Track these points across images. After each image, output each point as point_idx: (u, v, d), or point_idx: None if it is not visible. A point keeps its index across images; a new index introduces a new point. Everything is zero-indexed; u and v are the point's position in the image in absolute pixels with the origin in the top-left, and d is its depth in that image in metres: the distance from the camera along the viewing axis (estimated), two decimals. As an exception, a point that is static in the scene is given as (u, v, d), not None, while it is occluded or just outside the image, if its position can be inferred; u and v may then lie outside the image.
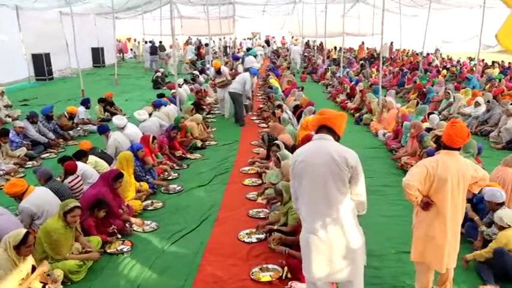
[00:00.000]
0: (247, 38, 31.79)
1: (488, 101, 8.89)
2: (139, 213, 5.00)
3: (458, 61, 19.90)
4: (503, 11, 17.67)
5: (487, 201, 3.96)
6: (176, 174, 6.32)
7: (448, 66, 18.13)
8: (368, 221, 4.51)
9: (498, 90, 10.57)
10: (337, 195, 2.55)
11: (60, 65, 17.47)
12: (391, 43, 24.10)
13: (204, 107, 10.25)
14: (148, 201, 5.33)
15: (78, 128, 8.79)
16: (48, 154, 7.40)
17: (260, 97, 12.75)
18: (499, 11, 17.49)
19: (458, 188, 2.95)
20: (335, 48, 26.24)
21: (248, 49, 18.31)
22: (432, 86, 12.00)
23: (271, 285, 3.57)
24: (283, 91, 11.64)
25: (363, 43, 26.42)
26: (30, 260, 3.35)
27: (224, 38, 25.45)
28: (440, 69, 16.55)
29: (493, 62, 18.04)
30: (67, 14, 14.68)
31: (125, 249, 4.16)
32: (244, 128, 9.18)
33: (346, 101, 11.50)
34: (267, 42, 30.05)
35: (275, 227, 4.28)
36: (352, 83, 12.40)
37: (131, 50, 28.90)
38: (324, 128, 2.65)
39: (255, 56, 13.53)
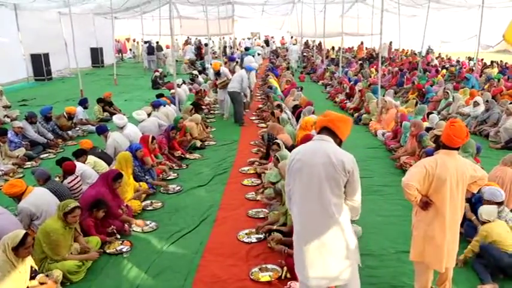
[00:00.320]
0: (247, 38, 31.78)
1: (487, 101, 8.90)
2: (138, 214, 5.00)
3: (457, 61, 19.93)
4: (502, 11, 17.76)
5: (487, 200, 3.96)
6: (175, 175, 6.32)
7: (447, 66, 18.15)
8: (367, 220, 4.54)
9: (497, 90, 10.59)
10: (331, 197, 2.52)
11: (59, 65, 17.44)
12: (390, 43, 24.12)
13: (203, 107, 10.24)
14: (148, 202, 5.33)
15: (77, 128, 8.78)
16: (47, 154, 7.39)
17: (259, 97, 12.76)
18: (498, 11, 17.54)
19: (457, 188, 2.96)
20: (332, 48, 26.23)
21: (246, 48, 18.28)
22: (431, 86, 12.02)
23: (271, 285, 3.57)
24: (282, 91, 11.65)
25: (362, 43, 26.44)
26: (29, 261, 3.34)
27: (223, 38, 25.44)
28: (439, 69, 16.57)
29: (492, 62, 18.08)
30: (66, 14, 14.67)
31: (124, 250, 4.16)
32: (243, 128, 9.19)
33: (345, 101, 11.51)
34: (267, 42, 30.03)
35: (274, 227, 4.29)
36: (351, 82, 12.42)
37: (130, 50, 28.87)
38: (326, 130, 2.63)
39: (254, 56, 13.51)
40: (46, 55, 15.97)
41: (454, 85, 12.22)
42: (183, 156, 7.07)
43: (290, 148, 5.83)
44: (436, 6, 18.62)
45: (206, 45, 20.73)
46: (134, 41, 28.12)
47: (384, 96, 9.70)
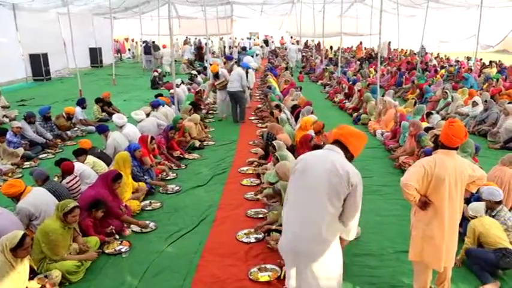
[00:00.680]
0: (247, 38, 31.78)
1: (485, 101, 8.91)
2: (137, 214, 5.00)
3: (456, 60, 19.95)
4: (501, 11, 17.77)
5: (486, 200, 3.97)
6: (174, 175, 6.31)
7: (446, 65, 18.17)
8: (366, 220, 4.54)
9: (496, 90, 10.60)
10: (328, 206, 2.49)
11: (58, 65, 17.41)
12: (389, 43, 24.14)
13: (202, 107, 10.22)
14: (147, 202, 5.32)
15: (76, 129, 8.77)
16: (46, 154, 7.38)
17: (258, 97, 12.76)
18: (497, 10, 17.57)
19: (456, 188, 2.96)
20: (331, 48, 26.22)
21: (243, 48, 18.23)
22: (430, 85, 12.03)
23: (270, 285, 3.56)
24: (281, 91, 11.65)
25: (360, 43, 26.46)
26: (27, 261, 3.33)
27: (222, 38, 25.44)
28: (438, 69, 16.58)
29: (491, 62, 18.10)
30: (64, 14, 14.64)
31: (123, 250, 4.15)
32: (242, 128, 9.19)
33: (344, 101, 11.52)
34: (266, 42, 30.04)
35: (273, 227, 4.29)
36: (350, 82, 12.42)
37: (129, 50, 28.86)
38: (338, 143, 2.62)
39: (253, 57, 13.50)
40: (45, 55, 15.94)
41: (452, 85, 12.23)
42: (182, 156, 7.07)
43: (289, 148, 5.83)
44: (435, 6, 18.65)
45: (206, 44, 20.72)
46: (133, 41, 28.12)
47: (383, 96, 9.72)
